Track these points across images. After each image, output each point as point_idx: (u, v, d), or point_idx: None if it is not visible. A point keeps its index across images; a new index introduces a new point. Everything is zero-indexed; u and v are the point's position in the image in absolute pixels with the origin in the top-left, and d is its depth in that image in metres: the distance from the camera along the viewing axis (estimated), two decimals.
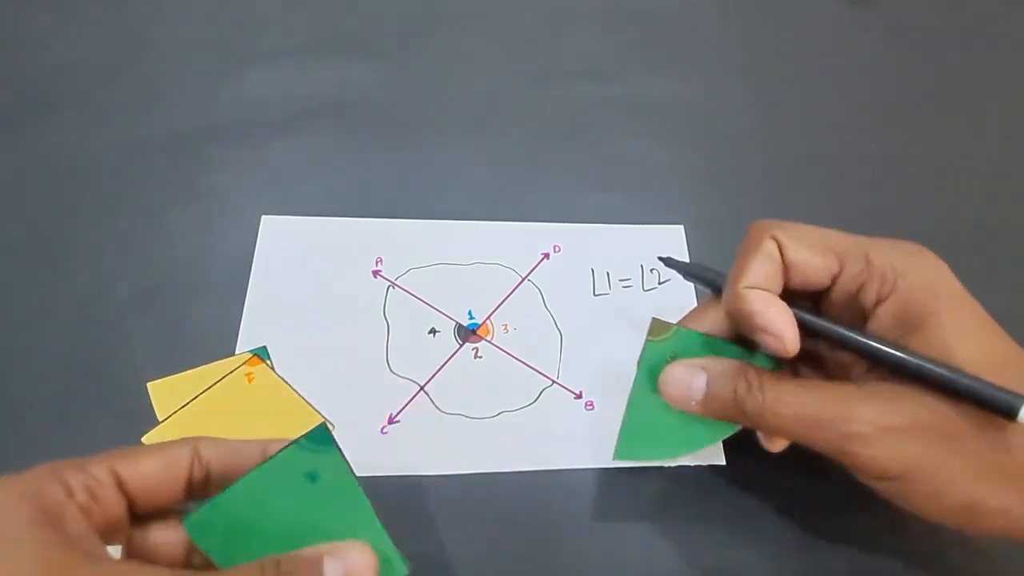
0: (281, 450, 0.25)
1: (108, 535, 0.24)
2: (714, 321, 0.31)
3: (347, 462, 0.26)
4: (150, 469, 0.25)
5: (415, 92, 0.50)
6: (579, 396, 0.38)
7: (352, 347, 0.38)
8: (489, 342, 0.39)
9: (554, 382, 0.38)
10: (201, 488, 0.26)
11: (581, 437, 0.37)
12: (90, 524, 0.23)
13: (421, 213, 0.44)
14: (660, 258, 0.35)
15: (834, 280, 0.29)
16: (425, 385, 0.38)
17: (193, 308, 0.39)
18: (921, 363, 0.26)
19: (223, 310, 0.39)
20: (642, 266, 0.43)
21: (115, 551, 0.25)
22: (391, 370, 0.38)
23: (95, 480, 0.24)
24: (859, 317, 0.29)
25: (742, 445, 0.37)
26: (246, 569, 0.22)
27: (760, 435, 0.32)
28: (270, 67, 0.50)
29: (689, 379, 0.29)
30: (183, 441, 0.25)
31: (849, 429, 0.26)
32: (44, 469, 0.24)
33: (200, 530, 0.24)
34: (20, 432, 0.35)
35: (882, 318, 0.28)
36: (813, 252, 0.29)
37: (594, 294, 0.42)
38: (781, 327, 0.28)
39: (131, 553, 0.25)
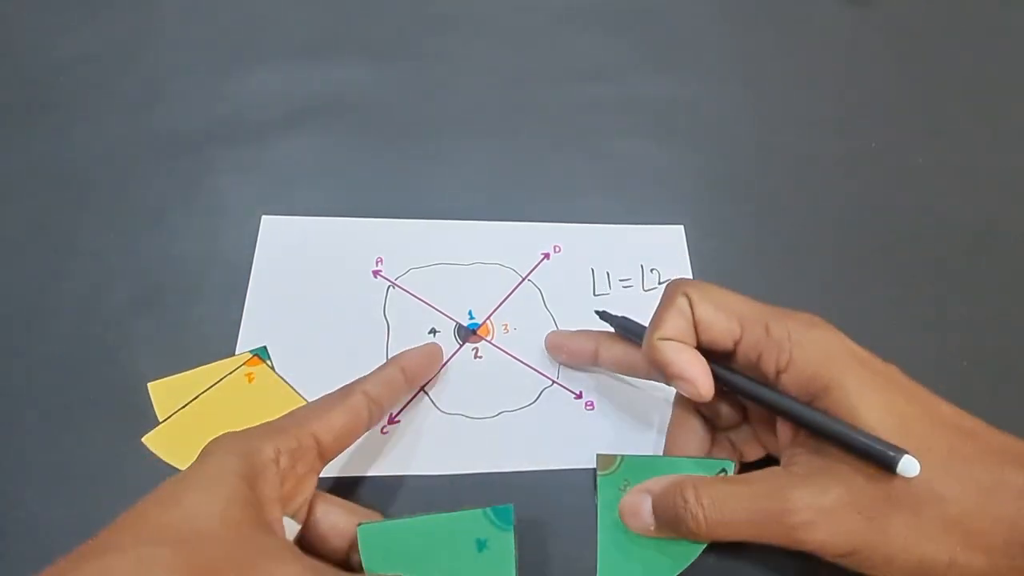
0: (470, 509, 0.28)
1: (292, 501, 0.27)
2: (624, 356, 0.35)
3: (516, 547, 0.28)
4: (340, 424, 0.28)
5: (415, 92, 0.50)
6: (579, 396, 0.38)
7: (352, 347, 0.38)
8: (489, 342, 0.39)
9: (554, 382, 0.38)
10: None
11: (581, 437, 0.37)
12: (281, 490, 0.25)
13: (421, 213, 0.44)
14: (596, 312, 0.37)
15: (736, 345, 0.30)
16: (425, 385, 0.38)
17: (193, 308, 0.39)
18: (817, 418, 0.27)
19: (223, 310, 0.39)
20: (642, 266, 0.43)
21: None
22: None
23: (299, 446, 0.26)
24: (765, 384, 0.30)
25: None
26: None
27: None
28: (270, 67, 0.50)
29: (639, 506, 0.30)
30: (353, 390, 0.29)
31: (791, 520, 0.26)
32: (262, 430, 0.26)
33: (369, 539, 0.27)
34: (20, 432, 0.35)
35: (787, 386, 0.29)
36: (718, 313, 0.30)
37: (594, 294, 0.42)
38: (694, 373, 0.29)
39: (307, 529, 0.28)
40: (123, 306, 0.39)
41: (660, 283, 0.42)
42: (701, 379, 0.29)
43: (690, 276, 0.43)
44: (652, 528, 0.29)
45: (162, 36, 0.51)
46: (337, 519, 0.29)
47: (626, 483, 0.31)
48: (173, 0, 0.53)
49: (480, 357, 0.39)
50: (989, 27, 0.60)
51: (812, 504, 0.26)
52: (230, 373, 0.37)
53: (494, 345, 0.39)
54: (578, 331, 0.37)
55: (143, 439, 0.35)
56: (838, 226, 0.46)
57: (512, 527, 0.28)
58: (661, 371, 0.30)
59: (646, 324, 0.32)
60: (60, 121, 0.46)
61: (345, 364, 0.38)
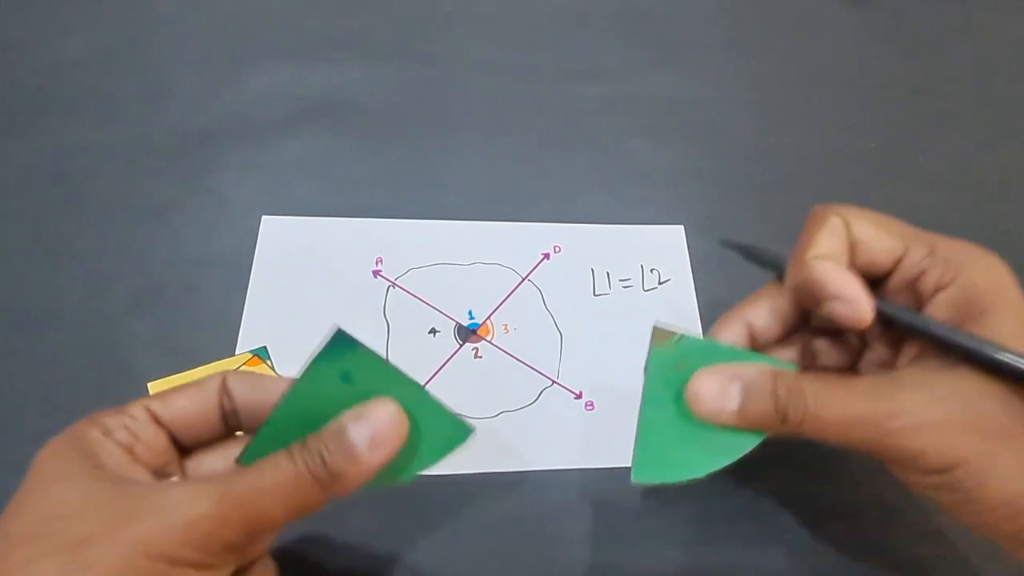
0: (307, 365, 0.25)
1: (158, 466, 0.25)
2: (771, 308, 0.30)
3: (375, 352, 0.25)
4: (182, 403, 0.26)
5: (415, 92, 0.50)
6: (579, 396, 0.38)
7: None
8: (489, 342, 0.39)
9: (554, 382, 0.38)
10: (235, 418, 0.26)
11: (581, 437, 0.37)
12: (133, 457, 0.24)
13: (421, 213, 0.44)
14: (721, 241, 0.33)
15: (896, 264, 0.28)
16: (425, 385, 0.38)
17: (193, 308, 0.39)
18: (966, 339, 0.25)
19: (223, 310, 0.39)
20: (642, 266, 0.43)
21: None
22: None
23: (131, 418, 0.25)
24: (914, 305, 0.28)
25: None
26: (277, 457, 0.23)
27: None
28: (270, 67, 0.50)
29: (722, 389, 0.27)
30: (212, 376, 0.26)
31: (894, 424, 0.25)
32: (84, 419, 0.25)
33: (254, 455, 0.25)
34: (20, 432, 0.35)
35: (939, 306, 0.27)
36: (879, 232, 0.28)
37: (594, 294, 0.42)
38: (855, 293, 0.26)
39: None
40: (123, 306, 0.39)
41: (660, 283, 0.42)
42: (863, 299, 0.26)
43: (690, 276, 0.43)
44: (731, 415, 0.27)
45: (163, 36, 0.51)
46: (209, 462, 0.27)
47: (682, 363, 0.28)
48: (173, 0, 0.53)
49: (480, 357, 0.39)
50: (989, 27, 0.60)
51: (923, 409, 0.25)
52: None
53: (494, 345, 0.39)
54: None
55: None
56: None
57: (355, 342, 0.25)
58: (813, 292, 0.27)
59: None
60: (60, 121, 0.46)
61: None
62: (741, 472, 0.36)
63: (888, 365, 0.29)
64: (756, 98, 0.53)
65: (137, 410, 0.25)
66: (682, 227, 0.45)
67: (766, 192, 0.47)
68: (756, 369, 0.27)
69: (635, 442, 0.28)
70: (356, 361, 0.25)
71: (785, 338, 0.31)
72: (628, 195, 0.46)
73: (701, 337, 0.29)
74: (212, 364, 0.37)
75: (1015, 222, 0.48)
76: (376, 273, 0.41)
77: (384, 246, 0.42)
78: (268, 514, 0.22)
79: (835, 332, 0.31)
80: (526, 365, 0.39)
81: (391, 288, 0.41)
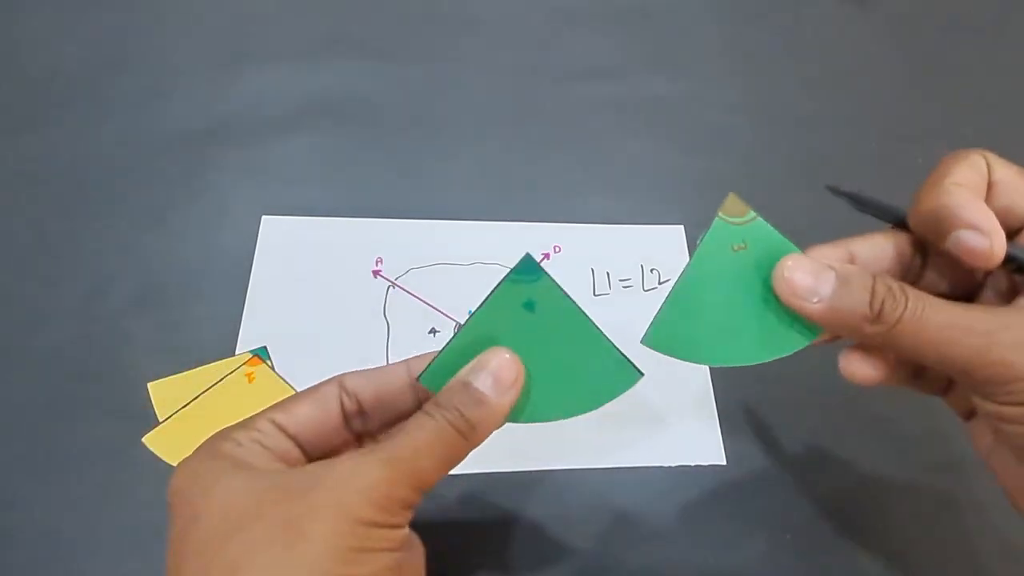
0: (496, 287, 0.26)
1: None
2: (881, 244, 0.27)
3: (559, 285, 0.26)
4: (305, 411, 0.26)
5: (415, 92, 0.50)
6: None
7: (352, 347, 0.38)
8: None
9: None
10: (359, 419, 0.27)
11: (582, 437, 0.37)
12: (271, 458, 0.24)
13: (421, 213, 0.44)
14: (827, 186, 0.30)
15: None
16: None
17: (193, 308, 0.39)
18: None
19: (223, 310, 0.39)
20: (642, 266, 0.43)
21: None
22: None
23: (259, 432, 0.25)
24: None
25: (742, 445, 0.37)
26: (419, 419, 0.24)
27: (846, 360, 0.27)
28: (270, 67, 0.50)
29: (816, 273, 0.25)
30: (330, 380, 0.27)
31: (1003, 337, 0.23)
32: (213, 436, 0.25)
33: (435, 382, 0.26)
34: (20, 432, 0.35)
35: None
36: (1020, 177, 0.26)
37: (594, 294, 0.42)
38: (992, 225, 0.24)
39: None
40: (123, 306, 0.39)
41: (660, 283, 0.42)
42: (998, 233, 0.24)
43: None
44: (821, 303, 0.24)
45: (162, 36, 0.51)
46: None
47: (742, 245, 0.26)
48: (173, 0, 0.53)
49: None
50: (988, 27, 0.60)
51: None
52: (230, 373, 0.37)
53: None
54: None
55: (143, 439, 0.35)
56: (838, 226, 0.46)
57: (542, 271, 0.25)
58: (946, 219, 0.24)
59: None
60: (60, 121, 0.46)
61: (345, 364, 0.37)
62: (742, 473, 0.36)
63: None
64: (756, 98, 0.53)
65: (263, 423, 0.25)
66: (682, 227, 0.45)
67: (766, 192, 0.47)
68: (854, 267, 0.25)
69: (660, 307, 0.26)
70: (541, 291, 0.25)
71: None
72: (628, 195, 0.46)
73: (774, 229, 0.26)
74: (212, 364, 0.37)
75: None
76: (376, 273, 0.41)
77: (384, 246, 0.42)
78: (427, 470, 0.24)
79: (947, 286, 0.28)
80: None
81: (391, 288, 0.41)
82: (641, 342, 0.26)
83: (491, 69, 0.52)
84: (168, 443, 0.35)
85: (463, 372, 0.25)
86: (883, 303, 0.24)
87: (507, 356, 0.25)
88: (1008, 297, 0.26)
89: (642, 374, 0.26)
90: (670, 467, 0.36)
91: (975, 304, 0.25)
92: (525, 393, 0.26)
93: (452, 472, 0.35)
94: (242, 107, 0.48)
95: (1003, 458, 0.27)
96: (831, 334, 0.26)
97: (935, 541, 0.35)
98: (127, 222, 0.42)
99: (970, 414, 0.28)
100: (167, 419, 0.35)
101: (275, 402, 0.26)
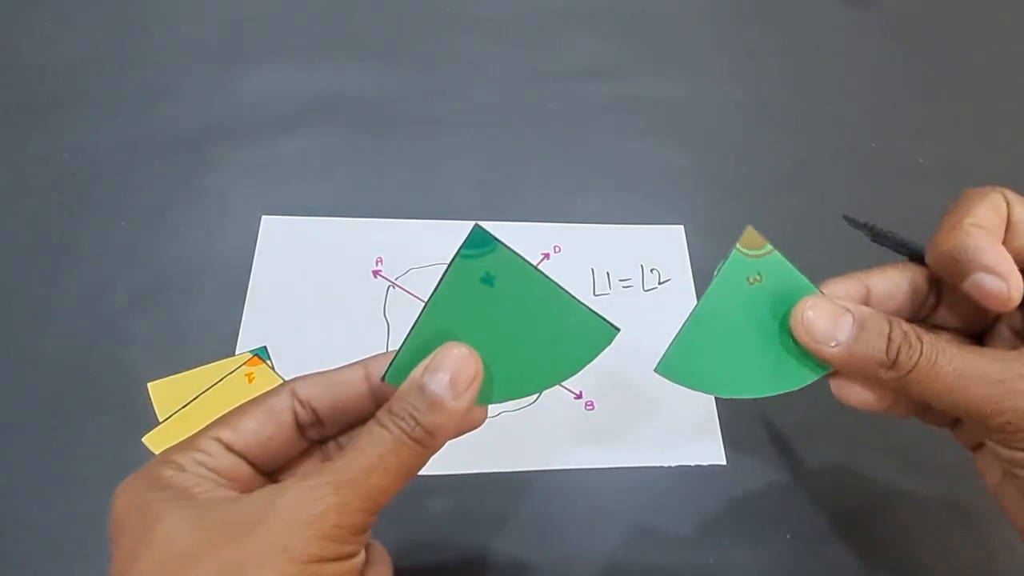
0: (448, 267, 0.24)
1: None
2: (897, 279, 0.27)
3: (515, 251, 0.24)
4: (253, 427, 0.24)
5: (415, 92, 0.50)
6: (579, 396, 0.38)
7: (352, 347, 0.38)
8: None
9: None
10: (315, 427, 0.25)
11: (581, 437, 0.37)
12: (219, 484, 0.23)
13: (421, 213, 0.44)
14: (845, 217, 0.30)
15: None
16: None
17: (193, 308, 0.39)
18: None
19: (223, 310, 0.39)
20: (642, 266, 0.43)
21: None
22: None
23: (203, 453, 0.23)
24: None
25: (742, 445, 0.37)
26: (370, 430, 0.23)
27: (838, 384, 0.27)
28: (270, 67, 0.50)
29: (834, 318, 0.25)
30: (280, 388, 0.25)
31: (1011, 388, 0.23)
32: (154, 460, 0.23)
33: (401, 379, 0.24)
34: (20, 432, 0.35)
35: None
36: None
37: (594, 294, 0.42)
38: (1009, 268, 0.24)
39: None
40: (123, 306, 0.39)
41: (660, 283, 0.42)
42: (1015, 276, 0.24)
43: (690, 276, 0.43)
44: (838, 348, 0.24)
45: (162, 36, 0.51)
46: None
47: (758, 278, 0.26)
48: (173, 0, 0.53)
49: None
50: (989, 27, 0.60)
51: None
52: (230, 373, 0.37)
53: None
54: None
55: (143, 439, 0.35)
56: (838, 226, 0.46)
57: (494, 240, 0.24)
58: (964, 260, 0.25)
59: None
60: (60, 121, 0.46)
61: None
62: (742, 473, 0.37)
63: None
64: (756, 98, 0.53)
65: (207, 443, 0.24)
66: (682, 227, 0.45)
67: (766, 192, 0.47)
68: (869, 309, 0.25)
69: (676, 336, 0.26)
70: (497, 261, 0.24)
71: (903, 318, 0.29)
72: (628, 195, 0.46)
73: (789, 263, 0.27)
74: (212, 364, 0.37)
75: None
76: (376, 273, 0.41)
77: (384, 246, 0.42)
78: (381, 488, 0.22)
79: (961, 322, 0.29)
80: None
81: (391, 288, 0.41)
82: (655, 370, 0.26)
83: (491, 69, 0.52)
84: (168, 443, 0.34)
85: (417, 372, 0.24)
86: (899, 350, 0.24)
87: (464, 352, 0.24)
88: (1022, 335, 0.27)
89: (618, 329, 0.25)
90: (670, 467, 0.36)
91: (988, 349, 0.25)
92: (496, 372, 0.25)
93: (451, 472, 0.35)
94: (242, 107, 0.48)
95: (1012, 496, 0.27)
96: (844, 376, 0.26)
97: (935, 541, 0.35)
98: (127, 222, 0.42)
99: (977, 446, 0.28)
100: (167, 419, 0.35)
101: (220, 416, 0.25)
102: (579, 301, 0.25)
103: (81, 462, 0.34)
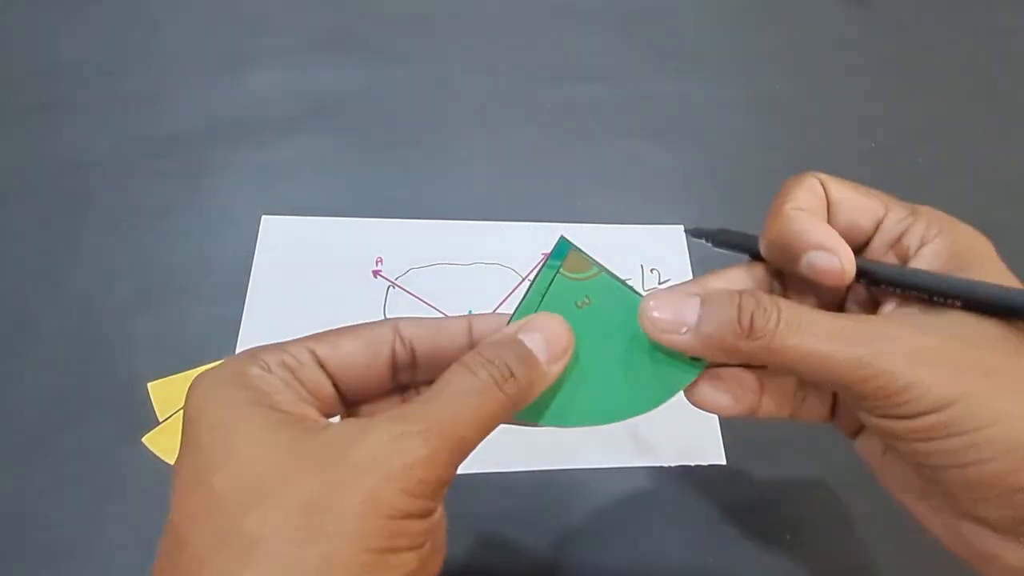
0: (533, 281, 0.24)
1: (324, 416, 0.23)
2: (740, 279, 0.27)
3: (614, 274, 0.24)
4: (351, 349, 0.23)
5: (415, 92, 0.50)
6: None
7: None
8: None
9: None
10: (408, 370, 0.24)
11: (582, 437, 0.37)
12: (301, 397, 0.22)
13: (421, 213, 0.44)
14: (687, 230, 0.30)
15: (877, 226, 0.26)
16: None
17: (193, 308, 0.39)
18: (961, 282, 0.23)
19: (223, 310, 0.39)
20: (642, 266, 0.43)
21: None
22: None
23: (294, 359, 0.22)
24: (898, 263, 0.26)
25: (742, 445, 0.37)
26: (459, 377, 0.21)
27: (691, 391, 0.26)
28: (270, 67, 0.50)
29: (679, 304, 0.24)
30: (384, 322, 0.24)
31: (882, 348, 0.21)
32: (240, 354, 0.22)
33: None
34: (20, 432, 0.35)
35: (926, 257, 0.24)
36: (858, 192, 0.27)
37: None
38: (837, 243, 0.24)
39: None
40: (123, 306, 0.39)
41: (660, 283, 0.42)
42: (844, 249, 0.24)
43: (690, 276, 0.43)
44: (685, 331, 0.23)
45: (162, 36, 0.51)
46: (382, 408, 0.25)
47: (585, 302, 0.25)
48: (173, 0, 0.53)
49: None
50: (989, 27, 0.60)
51: (917, 336, 0.22)
52: None
53: None
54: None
55: (143, 439, 0.35)
56: None
57: (595, 263, 0.24)
58: (793, 244, 0.24)
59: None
60: (60, 121, 0.46)
61: None
62: (742, 473, 0.36)
63: None
64: (756, 98, 0.53)
65: (299, 350, 0.22)
66: (682, 227, 0.45)
67: (766, 192, 0.47)
68: (716, 287, 0.25)
69: None
70: (596, 284, 0.24)
71: None
72: (628, 195, 0.46)
73: (618, 280, 0.25)
74: (212, 364, 0.37)
75: (1016, 222, 0.47)
76: (376, 273, 0.41)
77: (384, 246, 0.42)
78: (467, 440, 0.21)
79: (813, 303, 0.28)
80: None
81: (391, 288, 0.41)
82: (540, 423, 0.24)
83: (491, 69, 0.52)
84: (168, 443, 0.35)
85: (510, 328, 0.23)
86: (752, 316, 0.23)
87: (559, 320, 0.23)
88: (871, 309, 0.26)
89: (707, 363, 0.24)
90: (670, 467, 0.36)
91: (849, 314, 0.24)
92: (574, 396, 0.24)
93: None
94: (242, 107, 0.48)
95: (894, 472, 0.26)
96: (713, 361, 0.25)
97: (935, 541, 0.35)
98: (127, 222, 0.42)
99: (856, 431, 0.28)
100: (167, 419, 0.35)
101: (316, 333, 0.23)
102: None
103: (81, 462, 0.34)
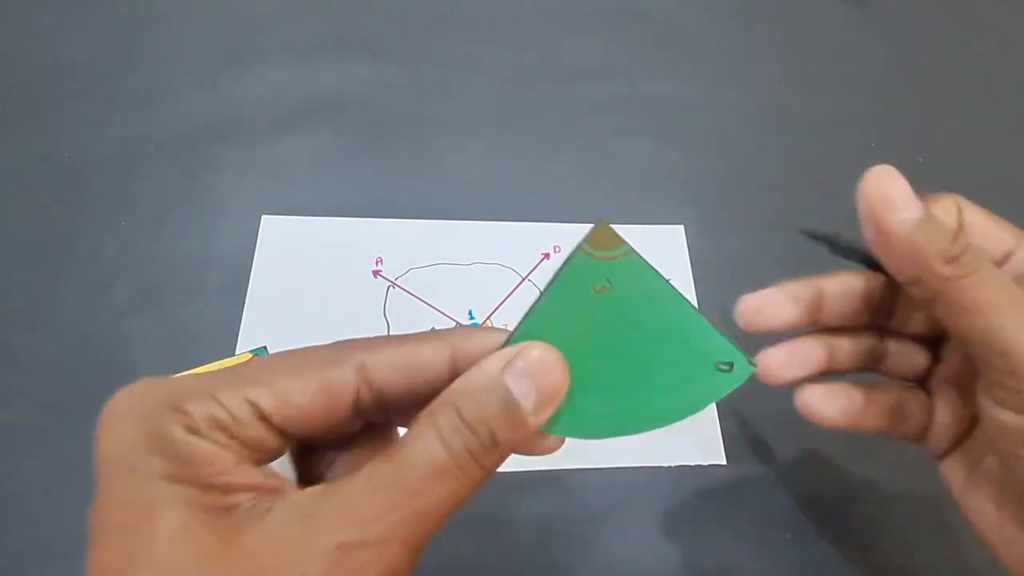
0: (564, 262, 0.20)
1: (262, 465, 0.19)
2: (852, 284, 0.26)
3: (645, 259, 0.21)
4: (302, 401, 0.19)
5: (415, 92, 0.50)
6: None
7: None
8: None
9: None
10: (376, 412, 0.20)
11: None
12: (235, 456, 0.18)
13: (421, 213, 0.44)
14: (802, 230, 0.29)
15: (1005, 259, 0.25)
16: None
17: (193, 308, 0.39)
18: None
19: (223, 310, 0.39)
20: None
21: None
22: None
23: (227, 415, 0.18)
24: None
25: (742, 445, 0.37)
26: (426, 444, 0.18)
27: (805, 395, 0.26)
28: (270, 67, 0.50)
29: (906, 190, 0.24)
30: (346, 353, 0.20)
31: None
32: (162, 396, 0.18)
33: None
34: (20, 432, 0.35)
35: None
36: (991, 221, 0.26)
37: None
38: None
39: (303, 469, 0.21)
40: (123, 306, 0.39)
41: None
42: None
43: (690, 276, 0.43)
44: (902, 219, 0.23)
45: (162, 36, 0.51)
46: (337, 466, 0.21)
47: (605, 287, 0.21)
48: (173, 0, 0.53)
49: None
50: (989, 27, 0.60)
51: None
52: None
53: None
54: (775, 293, 0.26)
55: None
56: (838, 226, 0.46)
57: (623, 241, 0.20)
58: (927, 258, 0.22)
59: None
60: (60, 121, 0.46)
61: None
62: (742, 473, 0.36)
63: (962, 385, 0.27)
64: (756, 98, 0.52)
65: (234, 401, 0.18)
66: (682, 227, 0.45)
67: (765, 192, 0.47)
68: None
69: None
70: (622, 267, 0.20)
71: (855, 329, 0.28)
72: (628, 195, 0.46)
73: (650, 265, 0.21)
74: (212, 364, 0.37)
75: (1016, 222, 0.47)
76: (376, 273, 0.41)
77: (384, 246, 0.42)
78: (430, 533, 0.18)
79: (919, 329, 0.28)
80: None
81: (391, 288, 0.41)
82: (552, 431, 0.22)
83: (491, 69, 0.52)
84: None
85: (492, 364, 0.19)
86: (963, 250, 0.22)
87: (556, 358, 0.19)
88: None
89: (755, 366, 0.22)
90: (670, 467, 0.36)
91: None
92: (589, 404, 0.20)
93: None
94: (242, 107, 0.48)
95: (980, 497, 0.26)
96: (891, 269, 0.24)
97: (936, 541, 0.35)
98: (127, 222, 0.42)
99: (943, 454, 0.28)
100: None
101: (253, 362, 0.19)
102: (715, 327, 0.21)
103: (81, 462, 0.34)
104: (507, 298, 0.41)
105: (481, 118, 0.49)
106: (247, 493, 0.18)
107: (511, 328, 0.20)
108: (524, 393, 0.19)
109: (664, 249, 0.44)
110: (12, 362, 0.37)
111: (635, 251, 0.21)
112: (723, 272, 0.43)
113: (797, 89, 0.53)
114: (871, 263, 0.27)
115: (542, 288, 0.20)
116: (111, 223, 0.42)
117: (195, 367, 0.37)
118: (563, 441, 0.21)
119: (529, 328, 0.20)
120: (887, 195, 0.23)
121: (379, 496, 0.17)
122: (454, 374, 0.19)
